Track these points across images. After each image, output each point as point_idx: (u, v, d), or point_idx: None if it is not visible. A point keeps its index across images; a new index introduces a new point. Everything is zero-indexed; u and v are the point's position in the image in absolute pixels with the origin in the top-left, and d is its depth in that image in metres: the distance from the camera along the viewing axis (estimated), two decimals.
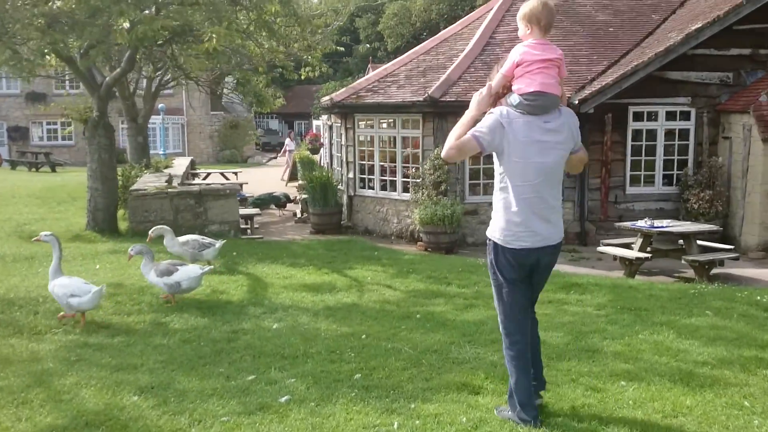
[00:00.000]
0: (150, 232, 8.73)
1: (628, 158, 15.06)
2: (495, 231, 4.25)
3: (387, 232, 15.57)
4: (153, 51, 10.54)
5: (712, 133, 14.94)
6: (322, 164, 21.07)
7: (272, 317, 6.99)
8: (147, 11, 8.75)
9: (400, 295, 7.98)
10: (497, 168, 4.26)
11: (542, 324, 6.49)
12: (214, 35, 8.36)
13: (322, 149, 22.15)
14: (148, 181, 13.56)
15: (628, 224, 12.13)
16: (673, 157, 15.10)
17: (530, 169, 4.14)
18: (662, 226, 11.58)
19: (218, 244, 8.94)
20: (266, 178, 26.29)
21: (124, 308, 7.30)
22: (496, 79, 4.24)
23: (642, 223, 11.80)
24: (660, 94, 14.83)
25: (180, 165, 21.15)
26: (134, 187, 12.47)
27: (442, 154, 4.31)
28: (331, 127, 19.93)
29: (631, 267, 11.45)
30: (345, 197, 16.42)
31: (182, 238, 8.88)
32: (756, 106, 13.74)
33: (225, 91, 19.90)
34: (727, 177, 14.53)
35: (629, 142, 15.00)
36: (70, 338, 6.22)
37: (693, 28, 14.17)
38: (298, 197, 20.06)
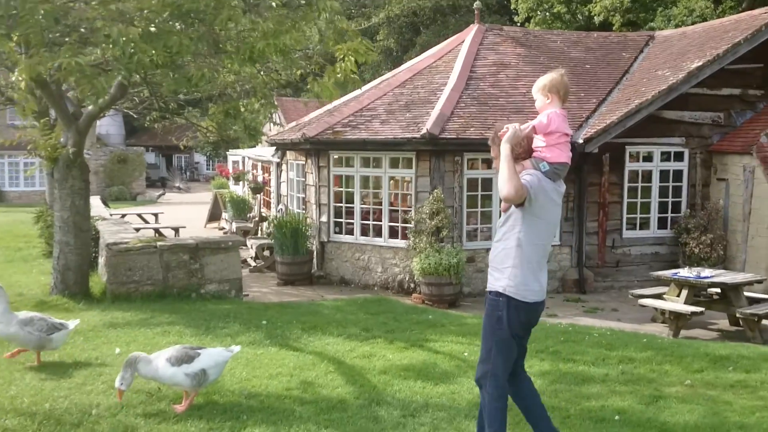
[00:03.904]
0: None
1: (625, 200, 14.36)
2: (511, 287, 4.38)
3: (369, 282, 13.97)
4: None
5: (705, 174, 14.52)
6: (271, 205, 19.10)
7: (426, 427, 5.33)
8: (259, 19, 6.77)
9: (541, 383, 6.44)
10: (515, 225, 4.38)
11: None
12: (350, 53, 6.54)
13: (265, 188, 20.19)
14: (116, 231, 11.26)
15: (668, 273, 11.23)
16: (667, 200, 14.55)
17: (550, 229, 4.50)
18: (708, 277, 10.77)
19: (71, 325, 6.81)
20: (181, 218, 23.76)
21: (208, 424, 5.37)
22: (528, 127, 4.41)
23: (686, 273, 10.94)
24: (656, 134, 14.29)
25: (97, 206, 18.51)
26: (111, 240, 10.19)
27: (507, 194, 4.25)
28: (279, 165, 18.15)
29: (678, 322, 10.52)
30: (316, 243, 14.67)
31: (22, 315, 6.56)
32: (759, 147, 13.38)
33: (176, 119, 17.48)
34: (724, 220, 14.08)
35: (626, 184, 14.32)
36: None
37: (694, 66, 13.71)
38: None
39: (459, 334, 8.38)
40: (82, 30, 7.05)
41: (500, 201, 4.51)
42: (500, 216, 4.56)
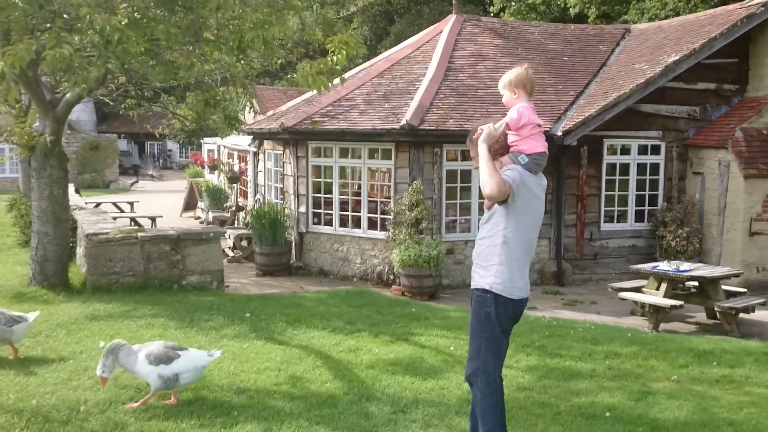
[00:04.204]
0: None
1: (603, 193, 14.48)
2: (498, 284, 4.38)
3: (348, 273, 13.95)
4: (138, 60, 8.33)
5: (681, 167, 14.68)
6: (247, 195, 18.95)
7: (418, 423, 5.33)
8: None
9: (529, 378, 6.50)
10: (500, 223, 4.38)
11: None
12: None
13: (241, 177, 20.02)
14: (94, 221, 11.10)
15: (647, 267, 11.36)
16: (643, 193, 14.70)
17: (534, 225, 4.49)
18: (687, 270, 10.90)
19: (31, 318, 6.73)
20: (157, 206, 23.51)
21: (198, 420, 5.32)
22: (501, 125, 4.44)
23: (665, 266, 11.07)
24: (633, 127, 14.41)
25: (71, 195, 18.19)
26: (91, 230, 10.03)
27: (490, 192, 4.22)
28: (256, 154, 18.01)
29: (658, 315, 10.64)
30: (294, 234, 14.60)
31: None
32: (734, 141, 13.56)
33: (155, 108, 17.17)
34: (699, 213, 14.26)
35: (604, 176, 14.43)
36: None
37: (671, 60, 13.83)
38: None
39: (443, 328, 8.41)
40: (66, 16, 6.90)
41: (479, 193, 4.50)
42: (480, 210, 4.59)
